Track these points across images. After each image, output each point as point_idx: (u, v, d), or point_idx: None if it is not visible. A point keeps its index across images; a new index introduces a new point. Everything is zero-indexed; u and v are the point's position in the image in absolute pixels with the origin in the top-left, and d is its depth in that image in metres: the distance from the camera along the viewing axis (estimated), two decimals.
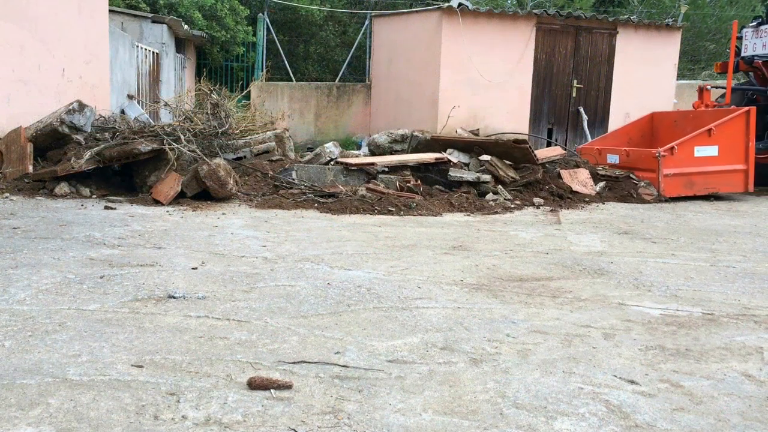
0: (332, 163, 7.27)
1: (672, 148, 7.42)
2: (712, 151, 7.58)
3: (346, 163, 6.92)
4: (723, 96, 9.13)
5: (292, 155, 8.18)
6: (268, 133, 8.01)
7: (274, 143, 7.71)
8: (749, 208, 7.18)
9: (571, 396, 2.24)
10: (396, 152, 8.14)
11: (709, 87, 9.00)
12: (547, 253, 4.53)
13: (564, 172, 7.30)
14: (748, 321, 3.16)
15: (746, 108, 7.83)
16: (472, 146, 7.39)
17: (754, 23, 8.97)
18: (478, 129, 11.59)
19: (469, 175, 6.90)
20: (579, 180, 7.27)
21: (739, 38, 9.21)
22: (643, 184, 7.37)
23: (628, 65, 13.64)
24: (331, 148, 7.70)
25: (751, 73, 9.26)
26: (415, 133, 8.08)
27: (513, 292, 3.50)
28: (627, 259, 4.43)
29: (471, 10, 12.67)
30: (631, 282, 3.81)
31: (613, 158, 7.93)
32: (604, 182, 7.49)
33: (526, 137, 7.24)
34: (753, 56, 8.89)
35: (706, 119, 7.89)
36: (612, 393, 2.28)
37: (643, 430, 2.03)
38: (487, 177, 6.92)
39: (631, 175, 7.59)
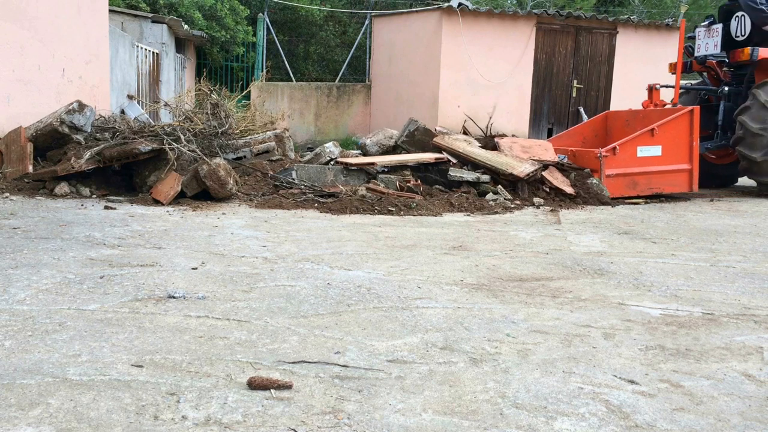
0: (332, 163, 7.27)
1: (614, 148, 7.30)
2: (655, 151, 7.45)
3: (346, 163, 6.92)
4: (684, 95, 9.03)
5: (292, 155, 8.19)
6: (268, 133, 8.02)
7: (274, 143, 7.72)
8: (749, 208, 7.18)
9: (571, 396, 2.24)
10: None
11: (658, 86, 8.93)
12: (547, 253, 4.53)
13: (546, 174, 7.21)
14: (748, 321, 3.16)
15: (690, 107, 7.73)
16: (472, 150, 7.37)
17: (706, 23, 8.89)
18: (505, 136, 11.39)
19: (469, 175, 6.90)
20: (560, 180, 7.22)
21: (693, 38, 9.14)
22: (595, 181, 7.24)
23: (628, 65, 13.65)
24: (331, 148, 7.70)
25: (704, 73, 9.17)
26: (413, 119, 8.04)
27: (513, 292, 3.50)
28: (627, 259, 4.43)
29: (471, 10, 12.67)
30: (631, 282, 3.81)
31: (561, 158, 7.84)
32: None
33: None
34: (706, 56, 8.81)
35: (654, 119, 7.78)
36: (612, 393, 2.28)
37: (643, 430, 2.03)
38: (486, 177, 6.92)
39: (585, 170, 7.39)
